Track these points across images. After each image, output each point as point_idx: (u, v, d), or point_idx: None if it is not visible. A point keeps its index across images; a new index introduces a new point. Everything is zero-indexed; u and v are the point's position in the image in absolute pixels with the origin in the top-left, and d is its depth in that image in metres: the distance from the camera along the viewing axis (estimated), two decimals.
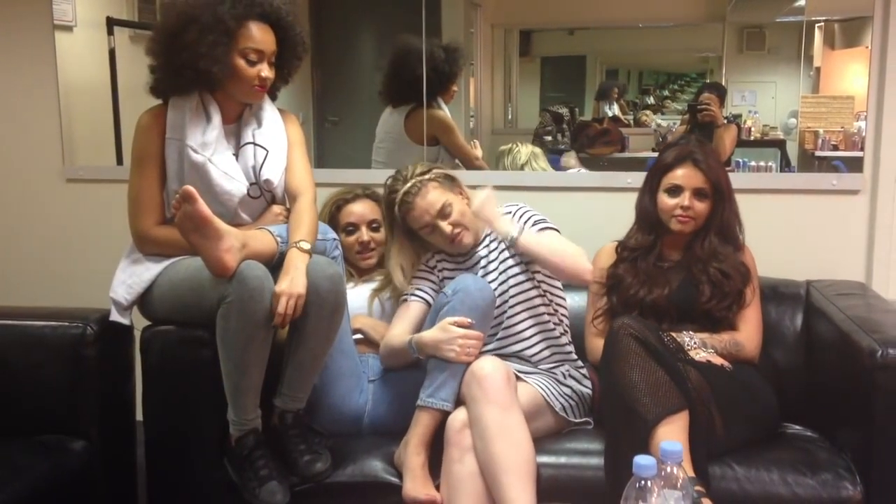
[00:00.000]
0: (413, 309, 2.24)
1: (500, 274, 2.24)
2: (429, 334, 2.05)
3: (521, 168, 3.01)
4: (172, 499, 2.14)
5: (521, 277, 2.23)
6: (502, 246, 2.26)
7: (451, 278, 2.21)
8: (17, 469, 1.96)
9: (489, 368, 1.96)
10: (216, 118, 2.13)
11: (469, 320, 2.01)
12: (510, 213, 2.26)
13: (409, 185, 2.20)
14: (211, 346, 1.97)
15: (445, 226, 2.20)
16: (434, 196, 2.20)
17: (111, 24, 3.08)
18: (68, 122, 3.04)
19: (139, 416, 2.20)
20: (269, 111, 2.22)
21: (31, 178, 3.09)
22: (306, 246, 1.99)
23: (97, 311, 2.20)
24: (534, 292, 2.23)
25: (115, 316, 2.13)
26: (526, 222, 2.21)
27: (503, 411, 1.92)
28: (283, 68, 2.20)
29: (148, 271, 2.10)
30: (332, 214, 2.48)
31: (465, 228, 2.23)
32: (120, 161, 3.10)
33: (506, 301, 2.22)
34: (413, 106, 3.01)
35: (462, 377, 2.00)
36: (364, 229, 2.47)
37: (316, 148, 3.41)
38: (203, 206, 1.86)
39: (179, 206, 1.87)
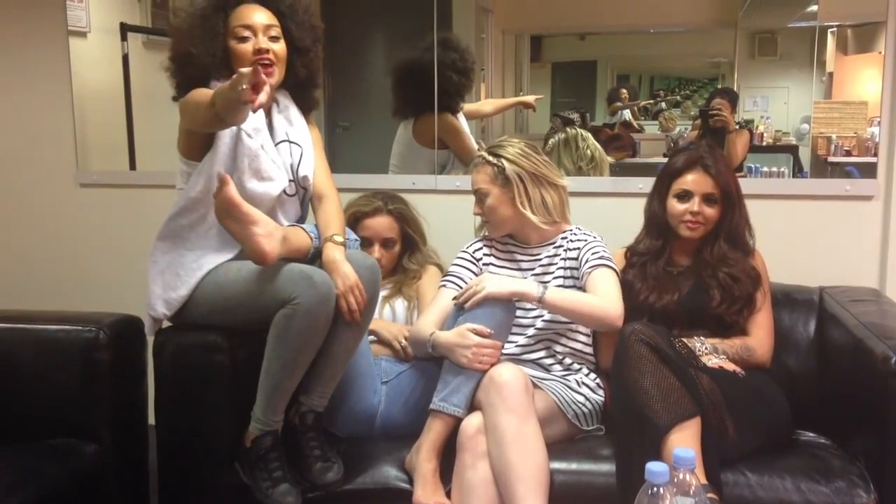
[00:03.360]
0: (446, 297, 2.25)
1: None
2: (445, 336, 2.05)
3: (591, 161, 2.98)
4: (184, 502, 2.15)
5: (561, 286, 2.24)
6: (560, 263, 2.26)
7: (494, 274, 2.27)
8: (29, 473, 1.96)
9: (508, 376, 1.96)
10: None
11: (488, 330, 2.01)
12: (583, 240, 2.26)
13: (484, 150, 2.30)
14: (224, 352, 1.98)
15: (475, 206, 2.30)
16: (479, 178, 2.28)
17: (125, 29, 3.10)
18: (82, 128, 3.06)
19: (151, 420, 2.20)
20: (294, 110, 2.23)
21: (44, 183, 3.11)
22: (340, 239, 2.04)
23: (110, 314, 2.21)
24: None
25: (150, 331, 2.14)
26: (587, 261, 2.21)
27: (520, 420, 1.92)
28: (296, 46, 2.17)
29: (184, 286, 2.07)
30: (350, 225, 2.45)
31: (488, 222, 2.29)
32: (133, 166, 3.12)
33: (540, 315, 2.22)
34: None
35: (476, 383, 2.00)
36: (377, 246, 2.49)
37: (327, 153, 3.40)
38: (231, 190, 1.87)
39: (218, 193, 1.89)
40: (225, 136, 2.05)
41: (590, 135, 3.04)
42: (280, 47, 2.12)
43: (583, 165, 2.97)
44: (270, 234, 1.92)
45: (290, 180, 2.16)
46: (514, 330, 2.19)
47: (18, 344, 2.21)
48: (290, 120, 2.21)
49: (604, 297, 2.13)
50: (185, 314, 2.10)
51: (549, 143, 3.04)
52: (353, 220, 2.49)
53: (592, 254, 2.22)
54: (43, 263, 3.13)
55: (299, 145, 2.19)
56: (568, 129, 3.06)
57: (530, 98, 3.31)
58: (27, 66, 3.04)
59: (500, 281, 2.10)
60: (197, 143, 2.07)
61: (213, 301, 2.05)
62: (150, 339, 2.15)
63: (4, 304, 2.55)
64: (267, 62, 2.08)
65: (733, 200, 2.23)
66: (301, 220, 2.23)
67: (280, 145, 2.17)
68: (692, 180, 2.23)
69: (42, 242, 3.13)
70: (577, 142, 3.00)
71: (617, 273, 2.22)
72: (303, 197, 2.22)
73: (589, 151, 2.97)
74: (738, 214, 2.24)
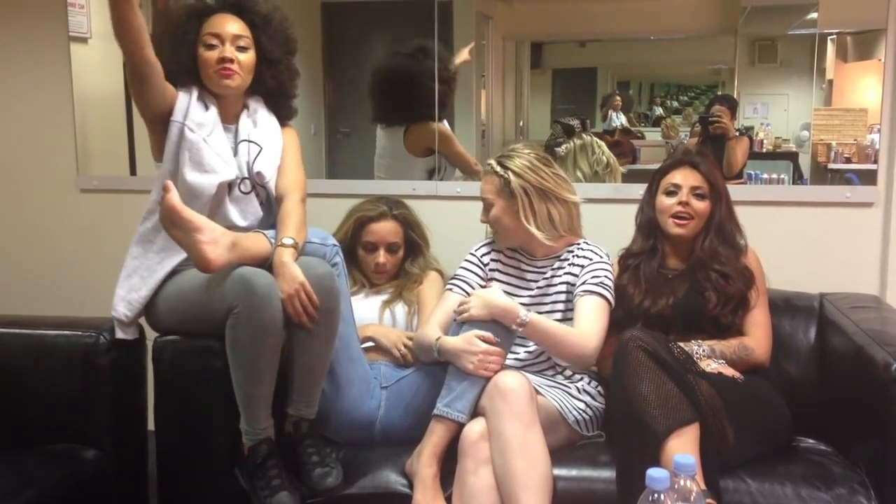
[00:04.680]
0: (452, 301, 2.24)
1: (547, 304, 2.23)
2: (452, 342, 2.05)
3: (607, 167, 2.97)
4: None
5: (561, 310, 2.23)
6: (564, 278, 2.23)
7: (499, 280, 2.28)
8: (29, 478, 1.97)
9: (513, 383, 1.96)
10: (213, 108, 2.17)
11: (495, 339, 2.01)
12: (588, 259, 2.22)
13: (494, 159, 2.23)
14: (222, 356, 1.98)
15: (482, 213, 2.27)
16: (486, 187, 2.24)
17: None
18: (83, 133, 3.06)
19: (151, 426, 2.20)
20: (265, 114, 2.26)
21: (45, 188, 3.11)
22: (289, 242, 2.02)
23: (110, 320, 2.21)
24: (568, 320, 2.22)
25: (120, 333, 2.16)
26: (583, 283, 2.17)
27: (525, 427, 1.92)
28: (266, 57, 2.20)
29: (145, 286, 2.12)
30: (355, 230, 2.48)
31: (496, 232, 2.27)
32: (133, 171, 3.12)
33: None
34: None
35: (480, 390, 2.00)
36: (382, 251, 2.48)
37: (328, 159, 3.42)
38: (173, 197, 1.89)
39: (163, 200, 1.91)
40: (173, 134, 2.12)
41: (603, 143, 3.05)
42: (247, 57, 2.16)
43: (599, 170, 2.98)
44: (215, 240, 1.92)
45: (243, 177, 2.18)
46: (518, 341, 2.18)
47: (19, 349, 2.22)
48: (256, 122, 2.24)
49: (584, 331, 2.10)
50: (158, 321, 2.14)
51: (565, 147, 3.04)
52: (359, 224, 2.49)
53: (592, 277, 2.18)
54: (43, 268, 3.12)
55: (258, 144, 2.20)
56: (584, 136, 3.07)
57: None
58: (28, 72, 3.04)
59: (488, 300, 2.05)
60: (158, 144, 2.16)
61: (180, 310, 2.09)
62: (149, 344, 2.15)
63: (5, 309, 2.55)
64: (227, 72, 2.12)
65: (720, 196, 2.26)
66: (268, 222, 2.22)
67: (240, 144, 2.20)
68: (680, 175, 2.27)
69: (42, 247, 3.13)
70: (592, 147, 3.01)
71: (610, 302, 2.17)
72: (266, 198, 2.23)
73: (605, 158, 2.98)
74: (725, 210, 2.26)
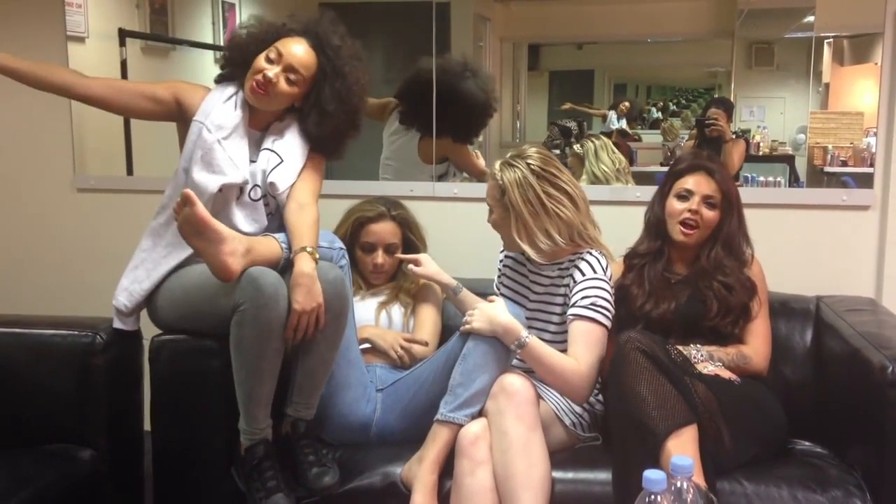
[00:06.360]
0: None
1: (547, 311, 2.22)
2: (476, 299, 2.20)
3: (624, 166, 3.00)
4: None
5: (556, 322, 2.21)
6: (561, 288, 2.19)
7: (508, 276, 2.32)
8: (24, 478, 1.96)
9: (519, 385, 1.97)
10: (241, 112, 2.15)
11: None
12: (582, 274, 2.13)
13: (499, 162, 2.18)
14: (220, 356, 1.98)
15: (487, 215, 2.24)
16: (488, 190, 2.21)
17: (123, 35, 3.10)
18: (80, 133, 3.06)
19: (147, 426, 2.20)
20: (295, 130, 2.22)
21: (42, 188, 3.10)
22: (314, 252, 2.00)
23: (106, 320, 2.21)
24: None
25: (117, 323, 2.16)
26: (574, 304, 2.10)
27: (528, 429, 1.93)
28: (321, 107, 2.16)
29: (148, 279, 2.12)
30: (354, 230, 2.47)
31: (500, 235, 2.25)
32: (130, 171, 3.12)
33: (544, 329, 2.21)
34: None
35: (486, 398, 2.00)
36: (380, 251, 2.48)
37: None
38: (201, 209, 1.86)
39: (180, 210, 1.88)
40: (192, 133, 2.11)
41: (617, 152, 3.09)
42: (290, 90, 2.12)
43: (620, 168, 3.01)
44: (234, 250, 1.90)
45: (255, 184, 2.16)
46: None
47: (15, 348, 2.21)
48: (283, 134, 2.21)
49: (579, 365, 2.04)
50: (159, 315, 2.14)
51: (586, 146, 3.06)
52: (358, 225, 2.48)
53: (582, 297, 2.10)
54: (40, 268, 3.12)
55: (279, 155, 2.17)
56: (602, 137, 3.11)
57: None
58: None
59: (491, 316, 2.03)
60: (181, 139, 2.17)
61: (182, 305, 2.08)
62: (146, 343, 2.14)
63: (1, 309, 2.55)
64: (259, 90, 2.09)
65: (732, 207, 2.25)
66: (271, 231, 2.19)
67: (262, 152, 2.18)
68: (694, 181, 2.26)
69: (39, 247, 3.13)
70: (609, 148, 3.04)
71: (604, 325, 2.09)
72: (275, 208, 2.21)
73: (617, 165, 3.01)
74: (736, 222, 2.26)
